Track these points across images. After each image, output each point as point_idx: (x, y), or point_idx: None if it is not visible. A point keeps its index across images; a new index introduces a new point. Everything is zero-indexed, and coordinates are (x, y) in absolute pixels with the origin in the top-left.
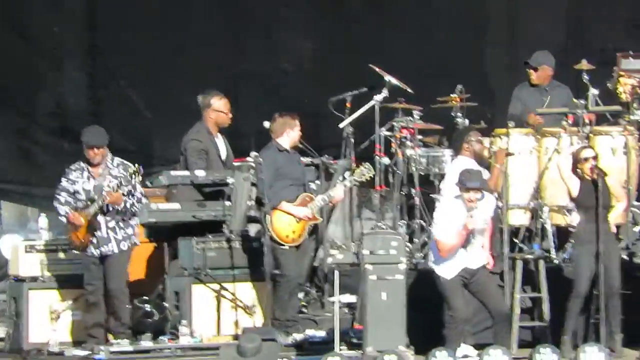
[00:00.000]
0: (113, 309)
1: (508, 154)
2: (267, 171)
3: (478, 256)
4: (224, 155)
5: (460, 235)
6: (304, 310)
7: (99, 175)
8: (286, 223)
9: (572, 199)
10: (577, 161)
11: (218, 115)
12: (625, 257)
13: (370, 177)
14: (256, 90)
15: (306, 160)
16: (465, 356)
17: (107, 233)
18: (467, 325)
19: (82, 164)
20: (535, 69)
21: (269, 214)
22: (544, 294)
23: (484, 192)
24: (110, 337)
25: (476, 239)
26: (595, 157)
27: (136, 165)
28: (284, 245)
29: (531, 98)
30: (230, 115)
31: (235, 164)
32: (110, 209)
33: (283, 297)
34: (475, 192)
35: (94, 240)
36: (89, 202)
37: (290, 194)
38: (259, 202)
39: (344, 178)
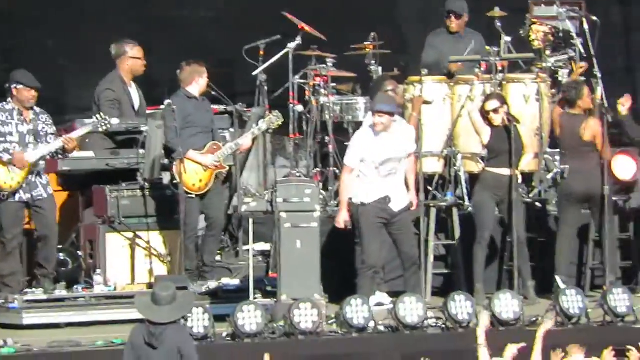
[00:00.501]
0: (46, 254)
1: (425, 102)
2: (177, 118)
3: (401, 198)
4: (137, 105)
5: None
6: (218, 258)
7: (30, 120)
8: (193, 171)
9: (484, 146)
10: (484, 111)
11: (134, 63)
12: (538, 204)
13: (279, 125)
14: (169, 38)
15: (220, 108)
16: (380, 304)
17: (35, 178)
18: (379, 272)
19: (12, 106)
20: (459, 17)
21: (177, 161)
22: (457, 241)
23: (401, 121)
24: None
25: (383, 167)
26: (498, 109)
27: None
28: (191, 193)
29: (447, 45)
30: (144, 62)
31: (149, 112)
32: (56, 155)
33: (188, 246)
34: (380, 115)
35: (24, 185)
36: (32, 145)
37: (199, 141)
38: (168, 150)
39: (253, 141)
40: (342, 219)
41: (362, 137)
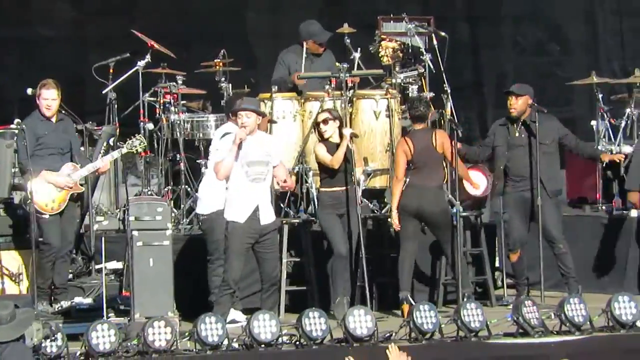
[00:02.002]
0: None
1: (270, 121)
2: (28, 139)
3: (269, 210)
4: None
5: (232, 151)
6: (71, 277)
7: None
8: (46, 192)
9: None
10: (315, 124)
11: None
12: (389, 220)
13: (143, 149)
14: (18, 57)
15: None
16: (234, 321)
17: None
18: (235, 290)
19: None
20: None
21: (30, 182)
22: (310, 257)
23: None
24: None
25: (251, 168)
26: (327, 119)
27: None
28: (44, 214)
29: (297, 63)
30: None
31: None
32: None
33: (44, 265)
34: (247, 115)
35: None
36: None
37: (53, 163)
38: (22, 170)
39: (113, 148)
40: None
41: (226, 138)
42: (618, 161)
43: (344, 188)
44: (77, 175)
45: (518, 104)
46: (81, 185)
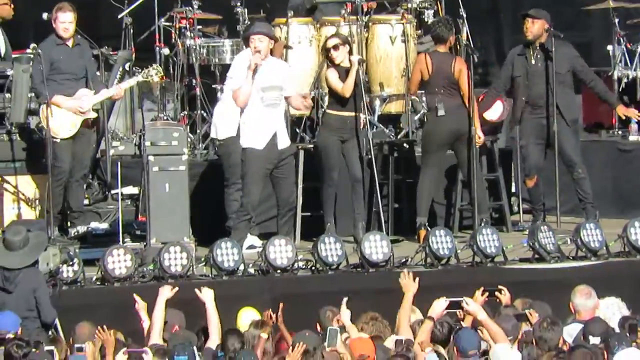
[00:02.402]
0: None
1: (286, 47)
2: (44, 64)
3: (284, 135)
4: (2, 49)
5: (248, 77)
6: (86, 203)
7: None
8: (60, 116)
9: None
10: (325, 49)
11: (2, 9)
12: (405, 145)
13: (160, 78)
14: None
15: None
16: (252, 246)
17: None
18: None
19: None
20: None
21: (44, 106)
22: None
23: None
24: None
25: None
26: (338, 45)
27: None
28: (56, 137)
29: None
30: (12, 7)
31: (15, 55)
32: None
33: (54, 189)
34: (260, 40)
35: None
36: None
37: (67, 88)
38: (37, 95)
39: (129, 73)
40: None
41: (242, 61)
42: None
43: (353, 114)
44: (90, 101)
45: (534, 28)
46: (96, 110)
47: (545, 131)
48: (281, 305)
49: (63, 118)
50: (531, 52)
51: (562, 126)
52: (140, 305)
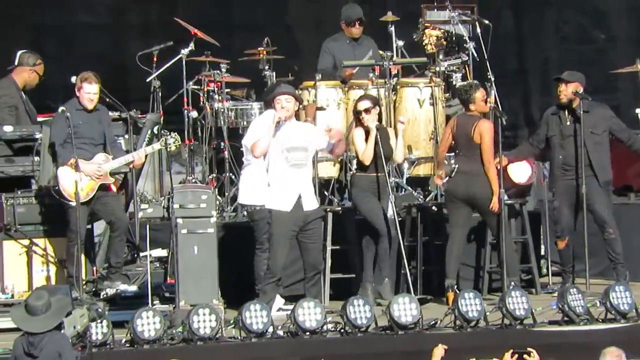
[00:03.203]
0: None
1: (318, 109)
2: (64, 127)
3: (311, 196)
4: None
5: (270, 129)
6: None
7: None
8: (74, 180)
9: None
10: (355, 111)
11: (33, 77)
12: (434, 208)
13: (176, 147)
14: (62, 45)
15: (114, 114)
16: (280, 309)
17: None
18: (280, 278)
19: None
20: (363, 23)
21: (61, 168)
22: (354, 245)
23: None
24: None
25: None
26: (370, 109)
27: None
28: (71, 201)
29: (344, 51)
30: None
31: (43, 119)
32: None
33: (72, 253)
34: (287, 100)
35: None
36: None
37: (85, 153)
38: (56, 156)
39: (157, 136)
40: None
41: (263, 121)
42: None
43: (380, 174)
44: (107, 166)
45: (568, 91)
46: (125, 172)
47: (577, 192)
48: None
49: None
50: (565, 114)
51: (595, 187)
52: None
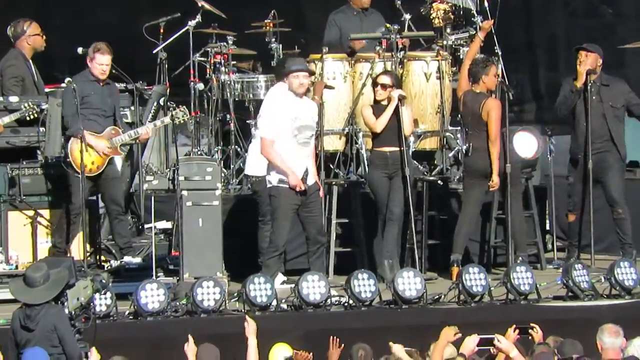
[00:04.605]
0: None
1: (327, 87)
2: (71, 100)
3: (313, 172)
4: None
5: (285, 171)
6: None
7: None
8: (85, 153)
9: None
10: (374, 82)
11: (34, 40)
12: (440, 182)
13: (184, 120)
14: (68, 16)
15: (120, 86)
16: (284, 282)
17: None
18: (282, 253)
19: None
20: None
21: (72, 139)
22: (359, 219)
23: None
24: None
25: (301, 133)
26: (387, 86)
27: None
28: (78, 173)
29: (350, 23)
30: (44, 37)
31: (49, 89)
32: None
33: (62, 224)
34: (305, 76)
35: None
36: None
37: (96, 125)
38: (65, 127)
39: (163, 108)
40: (297, 182)
41: (280, 101)
42: None
43: (396, 149)
44: (117, 140)
45: (588, 61)
46: (131, 144)
47: (595, 167)
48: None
49: (89, 155)
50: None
51: (613, 161)
52: (190, 347)
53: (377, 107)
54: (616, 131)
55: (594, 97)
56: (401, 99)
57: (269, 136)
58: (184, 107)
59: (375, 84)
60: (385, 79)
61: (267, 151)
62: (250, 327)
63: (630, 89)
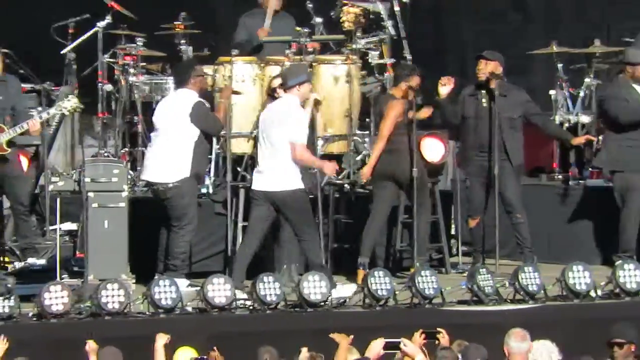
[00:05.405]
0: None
1: (235, 92)
2: None
3: None
4: None
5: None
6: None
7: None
8: None
9: None
10: (270, 89)
11: None
12: (346, 186)
13: (74, 110)
14: None
15: (28, 86)
16: (189, 285)
17: None
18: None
19: None
20: None
21: None
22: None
23: None
24: None
25: None
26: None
27: None
28: None
29: (258, 25)
30: None
31: None
32: None
33: None
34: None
35: None
36: None
37: None
38: None
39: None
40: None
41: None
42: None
43: None
44: (4, 136)
45: (487, 69)
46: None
47: (489, 173)
48: None
49: None
50: (482, 95)
51: (508, 170)
52: (91, 348)
53: None
54: (511, 142)
55: (491, 108)
56: (316, 103)
57: (304, 140)
58: (73, 96)
59: (272, 89)
60: (280, 79)
61: (304, 154)
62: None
63: (529, 98)
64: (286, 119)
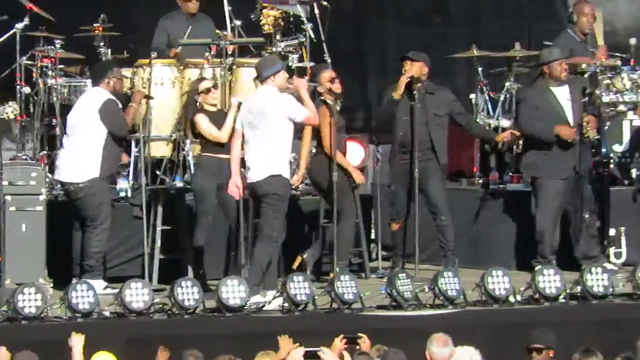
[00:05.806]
0: None
1: (147, 97)
2: None
3: None
4: None
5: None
6: None
7: None
8: None
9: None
10: (198, 93)
11: None
12: None
13: (14, 116)
14: None
15: None
16: (106, 288)
17: None
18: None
19: None
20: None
21: None
22: (184, 226)
23: None
24: None
25: None
26: (211, 88)
27: None
28: None
29: (176, 28)
30: None
31: None
32: None
33: None
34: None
35: None
36: None
37: None
38: None
39: None
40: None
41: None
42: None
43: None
44: None
45: (412, 70)
46: None
47: (412, 175)
48: None
49: None
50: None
51: (433, 169)
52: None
53: (208, 114)
54: (438, 139)
55: (418, 105)
56: (240, 106)
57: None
58: (14, 102)
59: (199, 93)
60: (207, 82)
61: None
62: (75, 342)
63: (456, 98)
64: (278, 105)
